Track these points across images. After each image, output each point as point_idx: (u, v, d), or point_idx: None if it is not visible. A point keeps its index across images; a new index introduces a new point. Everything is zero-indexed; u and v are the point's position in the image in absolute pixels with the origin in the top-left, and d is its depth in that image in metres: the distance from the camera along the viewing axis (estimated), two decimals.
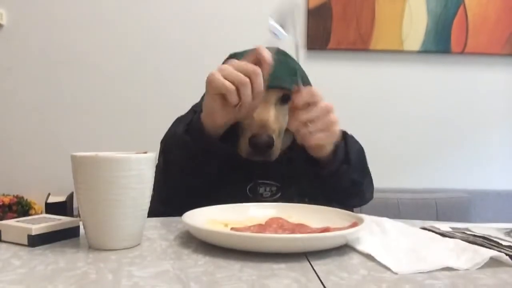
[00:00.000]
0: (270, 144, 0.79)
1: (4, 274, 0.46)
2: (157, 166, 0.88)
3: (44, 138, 2.02)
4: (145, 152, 0.58)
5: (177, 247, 0.57)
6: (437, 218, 1.69)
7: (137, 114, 2.03)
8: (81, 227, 0.59)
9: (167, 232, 0.66)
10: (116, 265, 0.49)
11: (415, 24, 2.03)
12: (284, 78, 0.82)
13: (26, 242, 0.56)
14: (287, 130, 0.86)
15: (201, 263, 0.50)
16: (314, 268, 0.49)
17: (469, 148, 2.11)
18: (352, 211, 0.79)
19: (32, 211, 1.82)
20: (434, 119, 2.09)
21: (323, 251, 0.54)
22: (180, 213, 0.63)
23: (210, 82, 0.72)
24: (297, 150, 0.88)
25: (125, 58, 2.03)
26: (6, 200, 1.78)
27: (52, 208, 1.75)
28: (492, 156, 2.11)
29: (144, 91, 2.03)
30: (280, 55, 0.86)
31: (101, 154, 0.55)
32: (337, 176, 0.82)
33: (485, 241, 0.57)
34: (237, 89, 0.70)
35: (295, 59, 0.86)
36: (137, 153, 0.57)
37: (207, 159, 0.79)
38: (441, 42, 2.04)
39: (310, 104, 0.74)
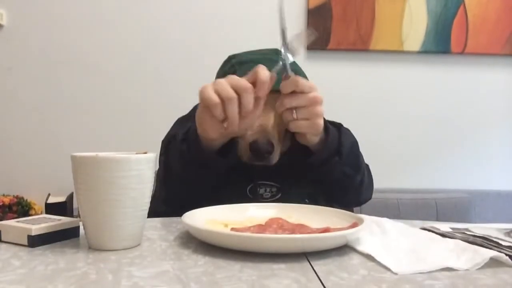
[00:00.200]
0: (270, 150, 0.79)
1: (4, 275, 0.46)
2: (159, 166, 0.89)
3: (44, 138, 2.02)
4: (145, 153, 0.58)
5: (177, 247, 0.57)
6: (437, 219, 1.69)
7: (137, 114, 2.03)
8: (81, 227, 0.59)
9: (167, 232, 0.66)
10: (116, 265, 0.49)
11: (415, 24, 2.03)
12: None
13: (26, 243, 0.56)
14: (286, 131, 0.86)
15: (201, 263, 0.50)
16: (314, 268, 0.49)
17: (469, 148, 2.11)
18: (352, 211, 0.79)
19: (32, 212, 1.82)
20: (434, 119, 2.09)
21: (323, 251, 0.54)
22: (181, 213, 0.63)
23: (200, 93, 0.71)
24: (296, 151, 0.88)
25: (125, 58, 2.03)
26: (6, 200, 1.78)
27: (52, 209, 1.75)
28: (492, 156, 2.11)
29: (144, 91, 2.03)
30: (279, 57, 0.86)
31: (101, 154, 0.55)
32: (328, 167, 0.83)
33: (485, 242, 0.57)
34: (224, 104, 0.68)
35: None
36: (137, 154, 0.57)
37: (204, 171, 0.79)
38: (441, 42, 2.04)
39: (297, 92, 0.74)
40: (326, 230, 0.59)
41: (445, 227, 0.67)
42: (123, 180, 0.54)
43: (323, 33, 2.02)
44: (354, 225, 0.60)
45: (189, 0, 2.03)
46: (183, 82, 1.97)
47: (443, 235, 0.63)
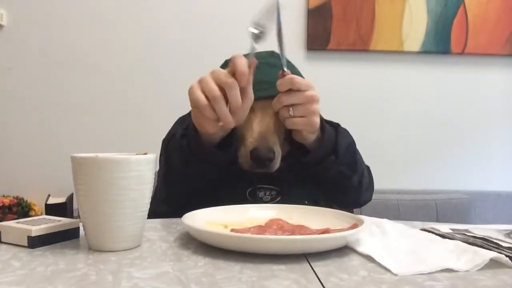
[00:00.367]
0: (271, 157, 0.79)
1: (4, 276, 0.46)
2: (159, 166, 0.89)
3: (44, 138, 2.02)
4: (145, 153, 0.58)
5: (177, 248, 0.57)
6: (437, 219, 1.69)
7: (137, 114, 2.03)
8: (81, 228, 0.59)
9: (167, 233, 0.66)
10: (116, 266, 0.49)
11: (415, 24, 2.03)
12: None
13: (26, 244, 0.56)
14: (285, 136, 0.86)
15: (201, 264, 0.50)
16: (314, 269, 0.49)
17: (469, 148, 2.11)
18: (352, 212, 0.79)
19: (32, 212, 1.82)
20: (434, 119, 2.09)
21: (323, 252, 0.54)
22: (181, 214, 0.63)
23: (189, 95, 0.71)
24: (295, 150, 0.88)
25: (125, 58, 2.03)
26: (6, 201, 1.78)
27: (52, 209, 1.75)
28: (492, 157, 2.11)
29: (144, 91, 2.03)
30: (276, 59, 0.86)
31: (101, 155, 0.55)
32: (324, 166, 0.83)
33: (485, 243, 0.57)
34: (212, 104, 0.68)
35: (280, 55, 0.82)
36: (137, 154, 0.57)
37: (205, 165, 0.79)
38: (441, 42, 2.04)
39: (293, 90, 0.75)
40: (326, 231, 0.59)
41: (445, 228, 0.67)
42: (123, 181, 0.54)
43: (323, 33, 2.02)
44: (354, 226, 0.60)
45: (189, 0, 2.03)
46: (183, 82, 1.94)
47: (443, 236, 0.63)
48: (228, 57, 0.96)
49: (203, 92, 0.68)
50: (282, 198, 0.87)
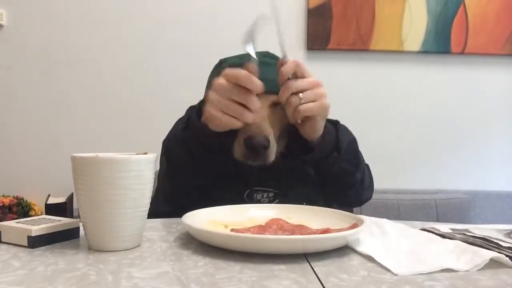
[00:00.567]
0: (266, 145, 0.78)
1: (4, 275, 0.46)
2: (160, 166, 0.89)
3: (44, 138, 2.02)
4: (145, 153, 0.58)
5: (177, 248, 0.57)
6: (437, 219, 1.69)
7: (137, 114, 2.03)
8: (81, 228, 0.59)
9: (167, 233, 0.66)
10: (116, 266, 0.49)
11: (415, 24, 2.03)
12: (277, 82, 0.81)
13: (26, 243, 0.56)
14: (280, 136, 0.86)
15: (201, 264, 0.50)
16: (314, 269, 0.49)
17: (469, 148, 2.11)
18: (352, 212, 0.79)
19: (32, 212, 1.82)
20: (434, 119, 2.09)
21: (323, 252, 0.54)
22: (182, 213, 0.63)
23: (211, 121, 0.74)
24: (293, 151, 0.88)
25: (125, 58, 2.03)
26: (6, 201, 1.78)
27: (52, 209, 1.75)
28: (492, 157, 2.11)
29: (144, 91, 2.03)
30: (271, 58, 0.86)
31: (101, 155, 0.55)
32: (327, 163, 0.83)
33: (485, 243, 0.57)
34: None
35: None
36: (137, 154, 0.57)
37: (206, 155, 0.79)
38: (441, 42, 2.04)
39: (298, 77, 0.75)
40: (326, 231, 0.59)
41: (445, 228, 0.67)
42: (123, 180, 0.54)
43: (323, 33, 2.02)
44: (354, 226, 0.60)
45: (189, 0, 2.03)
46: (183, 82, 1.97)
47: (443, 236, 0.63)
48: (227, 57, 0.97)
49: (225, 111, 0.72)
50: (279, 201, 0.87)
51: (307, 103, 0.75)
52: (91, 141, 2.00)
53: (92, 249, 0.56)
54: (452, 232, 0.64)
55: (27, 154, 2.02)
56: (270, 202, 0.87)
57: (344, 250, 0.57)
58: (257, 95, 0.80)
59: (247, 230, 0.61)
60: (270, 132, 0.81)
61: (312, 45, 2.02)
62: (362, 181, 0.92)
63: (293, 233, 0.60)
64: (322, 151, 0.83)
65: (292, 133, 0.87)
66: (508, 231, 0.65)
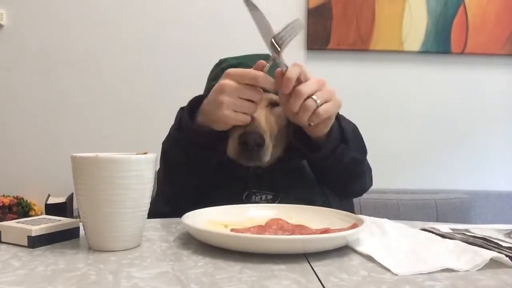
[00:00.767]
0: (260, 142, 0.76)
1: (4, 275, 0.46)
2: (159, 167, 0.89)
3: (44, 138, 2.02)
4: (145, 153, 0.58)
5: (177, 248, 0.57)
6: (437, 219, 1.69)
7: (137, 114, 2.02)
8: (81, 228, 0.59)
9: (167, 233, 0.66)
10: (116, 266, 0.49)
11: (415, 24, 2.03)
12: (271, 80, 0.81)
13: (26, 243, 0.56)
14: (277, 138, 0.85)
15: (201, 264, 0.50)
16: (314, 269, 0.49)
17: (469, 148, 2.10)
18: (353, 211, 0.79)
19: (32, 212, 1.82)
20: (434, 119, 2.09)
21: (323, 252, 0.54)
22: (182, 213, 0.63)
23: (222, 121, 0.74)
24: (291, 159, 0.88)
25: (125, 58, 2.03)
26: (6, 201, 1.78)
27: (52, 209, 1.75)
28: (492, 157, 2.11)
29: (144, 91, 2.03)
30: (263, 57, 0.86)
31: (101, 154, 0.55)
32: (337, 156, 0.81)
33: (485, 242, 0.57)
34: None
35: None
36: (137, 154, 0.57)
37: (201, 154, 0.79)
38: (441, 42, 2.04)
39: (301, 79, 0.73)
40: (326, 231, 0.59)
41: (445, 228, 0.67)
42: (123, 180, 0.54)
43: (323, 33, 2.02)
44: (354, 226, 0.60)
45: (189, 0, 2.03)
46: (183, 82, 1.96)
47: (443, 236, 0.63)
48: (228, 57, 0.97)
49: (237, 110, 0.74)
50: (278, 202, 0.87)
51: (323, 104, 0.73)
52: (91, 141, 2.00)
53: (92, 249, 0.56)
54: (452, 232, 0.64)
55: (27, 154, 2.02)
56: (268, 203, 0.87)
57: (344, 250, 0.57)
58: None
59: (247, 230, 0.61)
60: (265, 131, 0.80)
61: (312, 45, 2.02)
62: (369, 168, 0.92)
63: (293, 233, 0.60)
64: (330, 146, 0.81)
65: (292, 134, 0.86)
66: (508, 231, 0.65)
